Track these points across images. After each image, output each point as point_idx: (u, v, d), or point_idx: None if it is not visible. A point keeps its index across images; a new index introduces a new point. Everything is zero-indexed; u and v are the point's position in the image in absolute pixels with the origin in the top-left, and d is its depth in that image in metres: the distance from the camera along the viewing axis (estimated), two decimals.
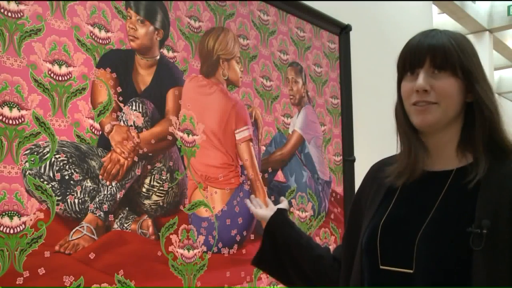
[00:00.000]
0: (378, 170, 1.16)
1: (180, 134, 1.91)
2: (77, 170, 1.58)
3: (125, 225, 1.71)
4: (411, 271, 0.98)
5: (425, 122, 1.01)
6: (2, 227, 1.39)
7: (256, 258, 1.32)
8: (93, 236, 1.61)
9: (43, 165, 1.50)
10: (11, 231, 1.41)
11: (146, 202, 1.79)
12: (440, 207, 1.00)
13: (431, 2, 4.45)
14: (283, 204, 1.38)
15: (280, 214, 1.31)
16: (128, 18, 1.79)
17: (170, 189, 1.86)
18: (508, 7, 9.38)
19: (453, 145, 1.04)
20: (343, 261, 1.17)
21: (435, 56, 0.99)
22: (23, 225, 1.44)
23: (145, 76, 1.82)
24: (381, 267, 1.02)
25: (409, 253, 0.98)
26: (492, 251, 0.91)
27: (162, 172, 1.84)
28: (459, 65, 0.99)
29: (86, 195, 1.60)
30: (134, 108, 1.76)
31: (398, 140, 1.10)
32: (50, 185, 1.51)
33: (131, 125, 1.74)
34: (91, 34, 1.67)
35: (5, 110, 1.43)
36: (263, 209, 1.37)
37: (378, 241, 1.03)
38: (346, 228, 1.22)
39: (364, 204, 1.14)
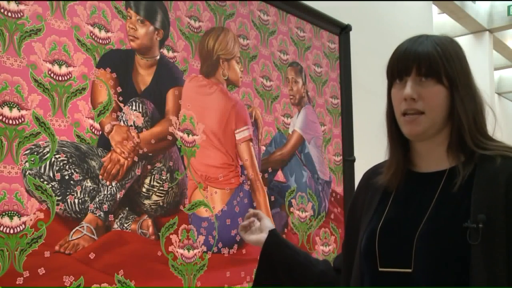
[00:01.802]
0: (370, 176, 1.18)
1: (180, 134, 1.91)
2: (77, 170, 1.58)
3: (125, 225, 1.71)
4: (410, 270, 0.99)
5: (414, 132, 1.04)
6: (2, 227, 1.39)
7: (256, 283, 1.31)
8: (93, 236, 1.61)
9: (43, 165, 1.50)
10: (11, 231, 1.41)
11: (146, 202, 1.79)
12: (436, 205, 1.02)
13: (431, 2, 4.45)
14: (268, 222, 1.35)
15: (274, 236, 1.30)
16: (128, 18, 1.79)
17: (170, 189, 1.86)
18: (508, 7, 9.37)
19: (444, 147, 1.07)
20: (343, 268, 1.19)
21: (420, 65, 1.02)
22: (23, 225, 1.44)
23: (145, 76, 1.82)
24: (380, 269, 1.03)
25: (407, 252, 1.00)
26: (489, 245, 0.93)
27: (162, 172, 1.84)
28: (443, 72, 1.02)
29: (86, 195, 1.60)
30: (134, 108, 1.76)
31: (388, 145, 1.12)
32: (50, 185, 1.51)
33: (131, 125, 1.74)
34: (91, 34, 1.67)
35: (5, 110, 1.43)
36: (254, 234, 1.34)
37: (376, 244, 1.04)
38: (344, 236, 1.24)
39: (360, 210, 1.16)
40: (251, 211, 1.38)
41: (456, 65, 1.04)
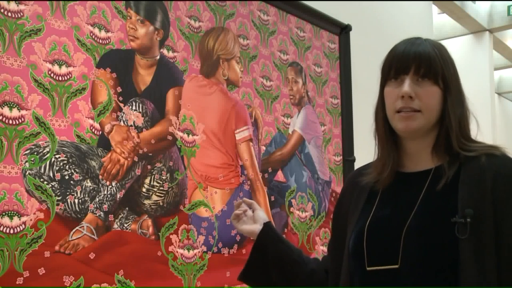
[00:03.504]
0: (356, 177, 1.18)
1: (180, 134, 1.91)
2: (77, 170, 1.58)
3: (125, 225, 1.71)
4: (397, 266, 0.99)
5: (409, 129, 1.04)
6: (2, 227, 1.39)
7: (244, 274, 1.28)
8: (93, 236, 1.61)
9: (43, 165, 1.50)
10: (11, 231, 1.41)
11: (146, 202, 1.79)
12: (423, 202, 1.03)
13: (431, 2, 4.45)
14: (262, 214, 1.31)
15: (269, 229, 1.27)
16: (128, 18, 1.79)
17: (170, 189, 1.86)
18: (508, 7, 9.37)
19: (430, 148, 1.08)
20: (330, 269, 1.18)
21: (420, 64, 1.03)
22: (23, 225, 1.44)
23: (145, 76, 1.82)
24: (367, 268, 1.03)
25: (394, 249, 1.00)
26: (477, 239, 0.94)
27: (162, 172, 1.84)
28: (441, 74, 1.04)
29: (86, 195, 1.60)
30: (134, 108, 1.76)
31: (376, 144, 1.13)
32: (50, 185, 1.51)
33: (131, 125, 1.74)
34: (91, 34, 1.67)
35: (5, 110, 1.43)
36: (247, 224, 1.30)
37: (364, 243, 1.05)
38: (331, 237, 1.23)
39: (346, 211, 1.16)
40: (245, 199, 1.33)
41: (450, 69, 1.06)
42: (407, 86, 1.03)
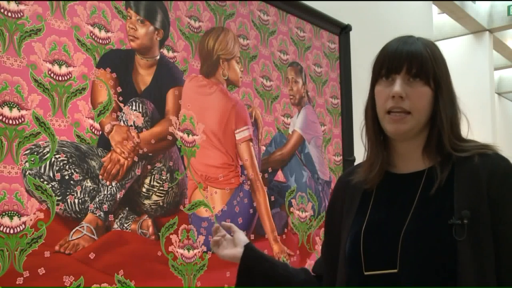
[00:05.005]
0: (347, 176, 1.17)
1: (180, 134, 1.91)
2: (77, 170, 1.58)
3: (125, 225, 1.71)
4: (396, 270, 0.98)
5: (399, 131, 1.03)
6: (2, 227, 1.39)
7: None
8: (93, 236, 1.61)
9: (43, 165, 1.50)
10: (11, 231, 1.41)
11: (146, 202, 1.79)
12: (419, 205, 1.02)
13: (431, 2, 4.44)
14: (242, 235, 1.27)
15: (251, 250, 1.24)
16: (128, 18, 1.79)
17: (170, 189, 1.86)
18: (508, 7, 9.36)
19: (421, 148, 1.07)
20: (325, 273, 1.17)
21: (412, 64, 1.02)
22: (23, 225, 1.44)
23: (145, 76, 1.82)
24: (365, 273, 1.02)
25: (393, 253, 0.99)
26: (475, 240, 0.94)
27: (162, 172, 1.84)
28: (432, 75, 1.03)
29: (86, 195, 1.60)
30: (134, 108, 1.76)
31: (366, 144, 1.12)
32: (50, 185, 1.51)
33: (131, 125, 1.74)
34: (91, 34, 1.67)
35: (5, 110, 1.43)
36: (228, 249, 1.26)
37: (361, 248, 1.04)
38: (324, 240, 1.22)
39: (339, 213, 1.14)
40: (223, 223, 1.30)
41: (442, 68, 1.05)
42: (398, 86, 1.02)
